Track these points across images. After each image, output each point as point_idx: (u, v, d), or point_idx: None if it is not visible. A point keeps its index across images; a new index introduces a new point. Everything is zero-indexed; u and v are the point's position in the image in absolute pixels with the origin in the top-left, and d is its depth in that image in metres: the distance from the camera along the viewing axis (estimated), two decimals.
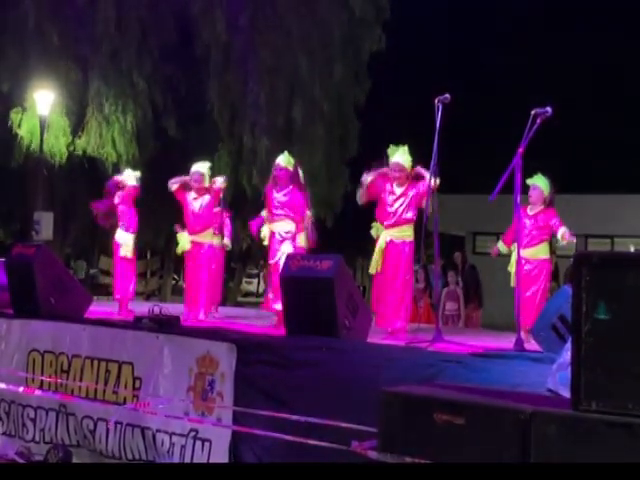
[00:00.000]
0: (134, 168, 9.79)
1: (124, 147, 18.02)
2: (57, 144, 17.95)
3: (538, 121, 6.26)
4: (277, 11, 18.19)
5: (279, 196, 8.05)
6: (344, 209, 19.75)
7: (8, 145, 18.04)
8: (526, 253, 7.26)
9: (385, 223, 7.46)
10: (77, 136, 18.21)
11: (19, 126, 17.81)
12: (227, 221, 9.66)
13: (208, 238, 8.91)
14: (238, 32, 18.11)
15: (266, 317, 8.52)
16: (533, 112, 6.30)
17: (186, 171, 8.98)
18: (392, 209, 7.44)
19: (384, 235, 7.44)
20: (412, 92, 20.46)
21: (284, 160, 8.16)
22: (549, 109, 6.32)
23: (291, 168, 8.14)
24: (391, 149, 7.95)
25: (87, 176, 18.07)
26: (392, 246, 7.41)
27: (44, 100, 17.42)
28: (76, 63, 17.94)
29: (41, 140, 17.56)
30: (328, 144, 19.03)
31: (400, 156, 7.50)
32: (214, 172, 9.25)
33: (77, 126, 18.28)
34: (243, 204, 18.48)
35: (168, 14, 18.27)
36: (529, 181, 7.50)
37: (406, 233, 7.43)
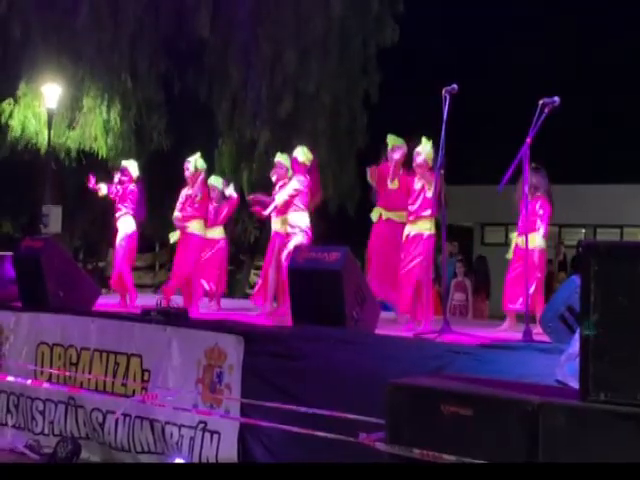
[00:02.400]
0: (137, 162, 9.84)
1: (122, 142, 17.99)
2: (55, 137, 17.95)
3: (546, 111, 6.23)
4: (278, 3, 18.11)
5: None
6: (351, 200, 19.71)
7: (3, 138, 18.01)
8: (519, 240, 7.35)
9: (409, 218, 7.54)
10: (71, 129, 18.19)
11: (10, 117, 17.74)
12: None
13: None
14: (237, 25, 18.08)
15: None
16: (541, 102, 6.27)
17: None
18: (414, 206, 7.51)
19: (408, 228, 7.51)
20: (421, 84, 20.40)
21: (302, 155, 8.26)
22: (557, 99, 6.29)
23: (308, 163, 8.28)
24: (390, 138, 8.02)
25: (94, 170, 18.05)
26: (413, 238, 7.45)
27: (52, 94, 17.40)
28: (71, 56, 17.88)
29: (49, 134, 17.57)
30: (333, 137, 18.94)
31: (422, 148, 7.55)
32: (215, 167, 9.31)
33: (71, 120, 18.26)
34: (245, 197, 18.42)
35: (165, 8, 18.22)
36: None
37: (426, 226, 7.45)
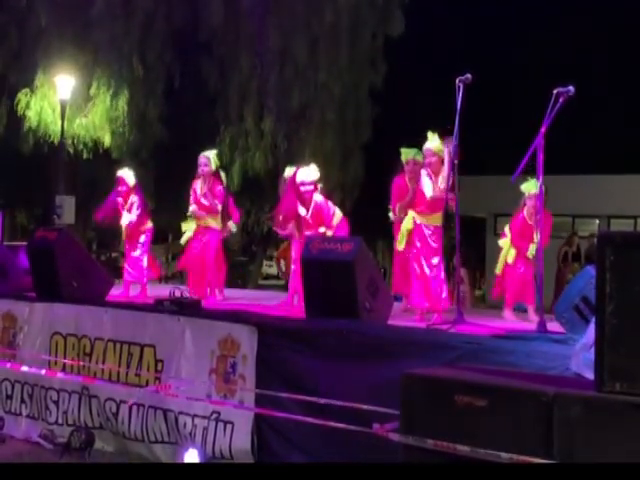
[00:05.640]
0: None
1: (130, 133, 18.00)
2: (69, 128, 17.98)
3: (560, 100, 6.18)
4: None
5: None
6: (361, 192, 19.72)
7: (18, 128, 18.05)
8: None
9: (418, 210, 7.34)
10: (83, 119, 18.22)
11: (27, 108, 17.76)
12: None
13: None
14: (247, 15, 18.06)
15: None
16: (555, 91, 6.21)
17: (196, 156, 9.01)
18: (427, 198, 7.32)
19: (413, 217, 7.33)
20: (431, 75, 20.35)
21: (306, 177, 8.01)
22: (571, 88, 6.23)
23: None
24: (404, 152, 7.85)
25: (107, 160, 18.10)
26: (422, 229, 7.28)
27: (65, 84, 17.45)
28: (84, 46, 17.89)
29: (62, 124, 17.61)
30: (340, 128, 18.90)
31: (431, 142, 7.42)
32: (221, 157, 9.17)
33: (84, 111, 18.30)
34: (257, 187, 18.47)
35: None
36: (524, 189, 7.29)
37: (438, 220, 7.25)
